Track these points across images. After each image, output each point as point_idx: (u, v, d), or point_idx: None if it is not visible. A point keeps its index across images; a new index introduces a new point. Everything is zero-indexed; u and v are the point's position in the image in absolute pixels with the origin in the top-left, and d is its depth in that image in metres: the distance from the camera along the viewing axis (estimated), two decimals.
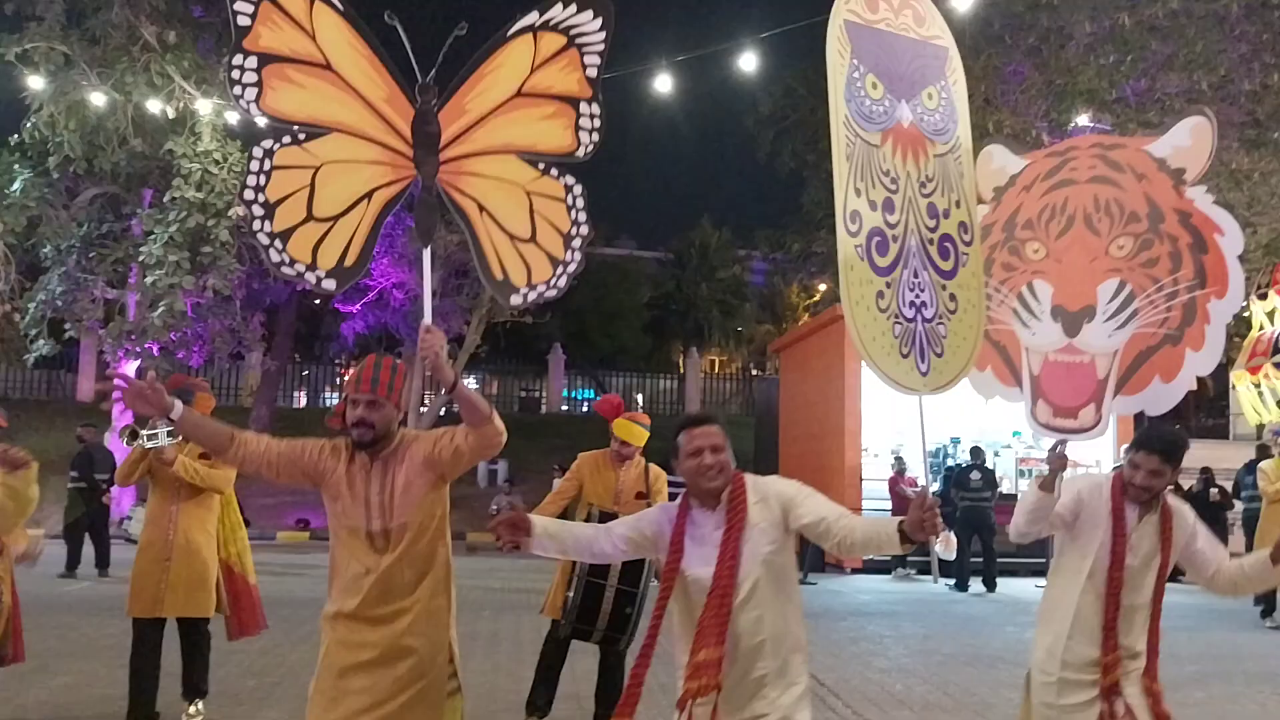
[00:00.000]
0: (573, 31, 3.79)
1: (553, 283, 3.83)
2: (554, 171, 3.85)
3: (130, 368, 17.66)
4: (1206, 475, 14.55)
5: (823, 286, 31.79)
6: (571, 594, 5.25)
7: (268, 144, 3.52)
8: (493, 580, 12.72)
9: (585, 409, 32.69)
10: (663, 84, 12.08)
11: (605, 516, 5.15)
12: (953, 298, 3.55)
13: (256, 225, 3.48)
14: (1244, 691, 7.50)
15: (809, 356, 19.10)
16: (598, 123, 3.86)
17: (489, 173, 3.78)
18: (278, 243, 3.49)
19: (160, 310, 16.10)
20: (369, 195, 3.61)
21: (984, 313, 3.70)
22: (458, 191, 3.74)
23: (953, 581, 13.77)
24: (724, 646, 2.98)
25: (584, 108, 3.84)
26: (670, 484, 5.73)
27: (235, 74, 3.45)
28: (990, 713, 6.62)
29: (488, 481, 21.97)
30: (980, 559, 13.71)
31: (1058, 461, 3.81)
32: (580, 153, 3.86)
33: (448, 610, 3.47)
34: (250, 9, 3.43)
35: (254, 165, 3.49)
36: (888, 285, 3.39)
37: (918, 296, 3.44)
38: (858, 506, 14.93)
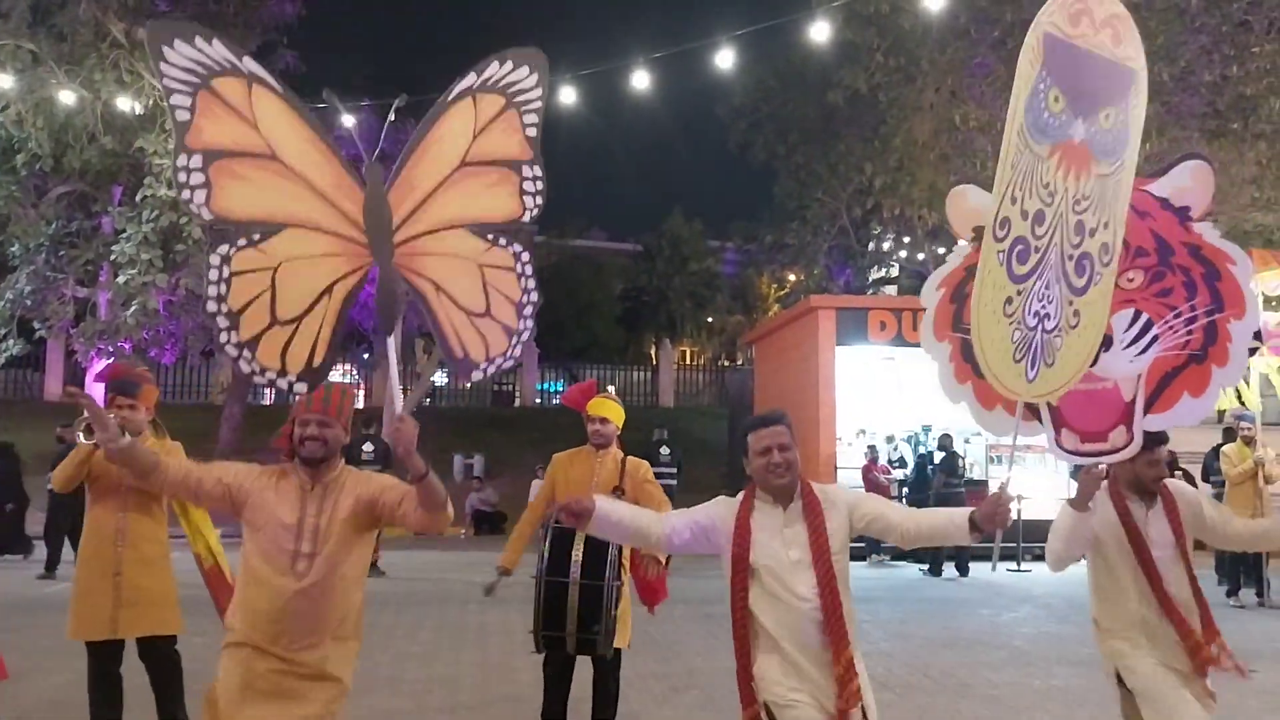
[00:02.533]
0: (510, 90, 3.73)
1: (509, 353, 3.79)
2: (502, 241, 3.78)
3: (101, 366, 17.58)
4: (1171, 458, 14.86)
5: (793, 277, 32.03)
6: (535, 601, 5.00)
7: (224, 250, 3.39)
8: (475, 574, 12.81)
9: (559, 402, 32.75)
10: (635, 78, 12.19)
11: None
12: (1076, 313, 3.58)
13: (223, 337, 3.37)
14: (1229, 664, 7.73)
15: (783, 347, 19.30)
16: (540, 185, 3.79)
17: (442, 250, 3.70)
18: (246, 352, 3.39)
19: (134, 309, 16.01)
20: (329, 290, 3.52)
21: (1102, 331, 3.71)
22: (414, 274, 3.65)
23: (926, 566, 14.02)
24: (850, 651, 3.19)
25: (526, 170, 3.77)
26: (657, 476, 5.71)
27: (182, 176, 3.31)
28: (968, 693, 6.83)
29: (463, 475, 22.02)
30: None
31: (1091, 482, 3.89)
32: (526, 217, 3.80)
33: (354, 656, 3.51)
34: (188, 101, 3.29)
35: (212, 274, 3.36)
36: (1019, 292, 3.43)
37: (1044, 307, 3.48)
38: None
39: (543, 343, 31.56)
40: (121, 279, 16.14)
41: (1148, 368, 3.88)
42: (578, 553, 4.93)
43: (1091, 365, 3.72)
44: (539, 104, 3.79)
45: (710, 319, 37.14)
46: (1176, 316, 3.83)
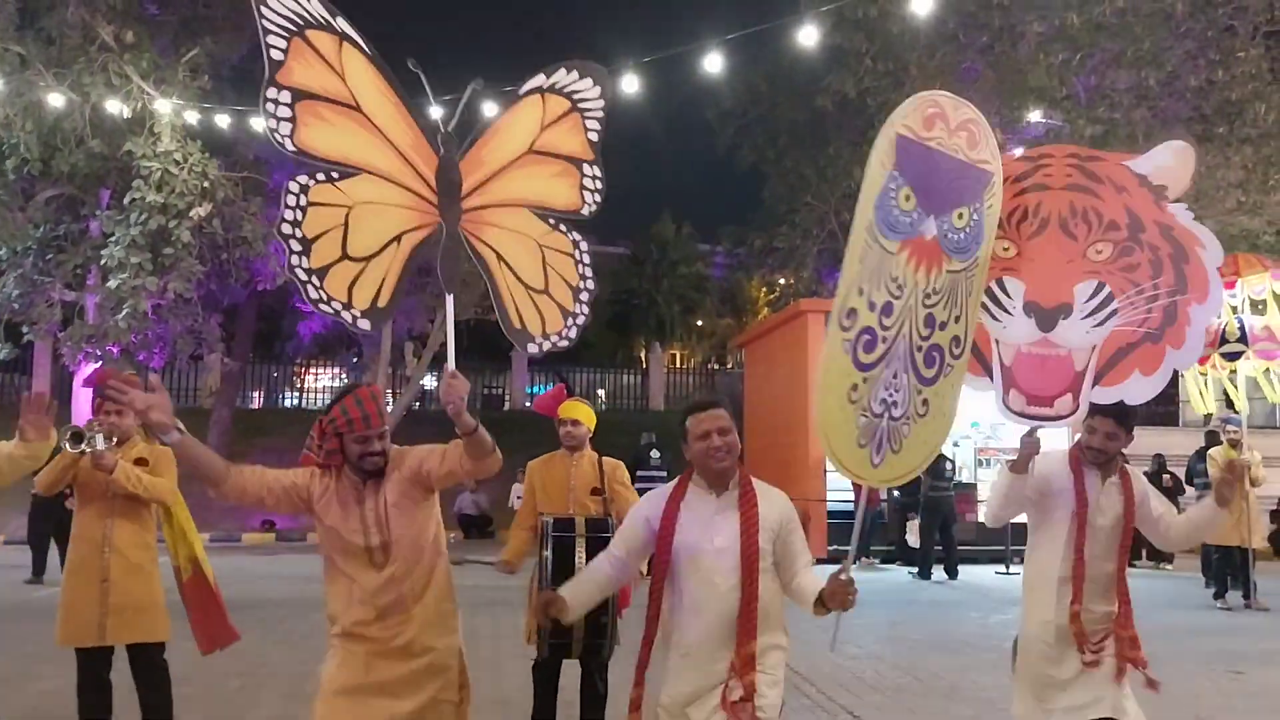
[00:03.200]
0: (575, 96, 3.97)
1: (564, 333, 3.98)
2: (563, 227, 4.00)
3: (89, 370, 17.50)
4: (1159, 461, 14.97)
5: (782, 281, 32.06)
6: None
7: (303, 179, 3.54)
8: (465, 577, 12.77)
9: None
10: (624, 81, 12.19)
11: (560, 524, 5.06)
12: (925, 402, 3.66)
13: (294, 260, 3.49)
14: (1198, 670, 7.78)
15: (773, 351, 19.34)
16: (599, 184, 4.03)
17: (505, 224, 3.89)
18: (315, 279, 3.52)
19: (123, 312, 15.94)
20: (398, 238, 3.68)
21: (951, 422, 3.85)
22: (478, 240, 3.83)
23: (915, 570, 14.06)
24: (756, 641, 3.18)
25: (586, 169, 4.02)
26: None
27: (270, 107, 3.46)
28: (957, 695, 6.85)
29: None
30: (940, 547, 14.04)
31: (1031, 446, 4.02)
32: (585, 211, 4.03)
33: (455, 615, 3.61)
34: (283, 44, 3.47)
35: (290, 200, 3.50)
36: (864, 380, 3.50)
37: (891, 395, 3.55)
38: (822, 498, 15.19)
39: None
40: (110, 283, 16.06)
41: (1103, 341, 3.93)
42: (580, 559, 4.92)
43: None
44: (600, 113, 4.05)
45: (700, 322, 37.16)
46: (1139, 293, 3.88)
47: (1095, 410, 4.00)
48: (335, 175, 3.58)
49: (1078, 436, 4.25)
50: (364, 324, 3.64)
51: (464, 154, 3.79)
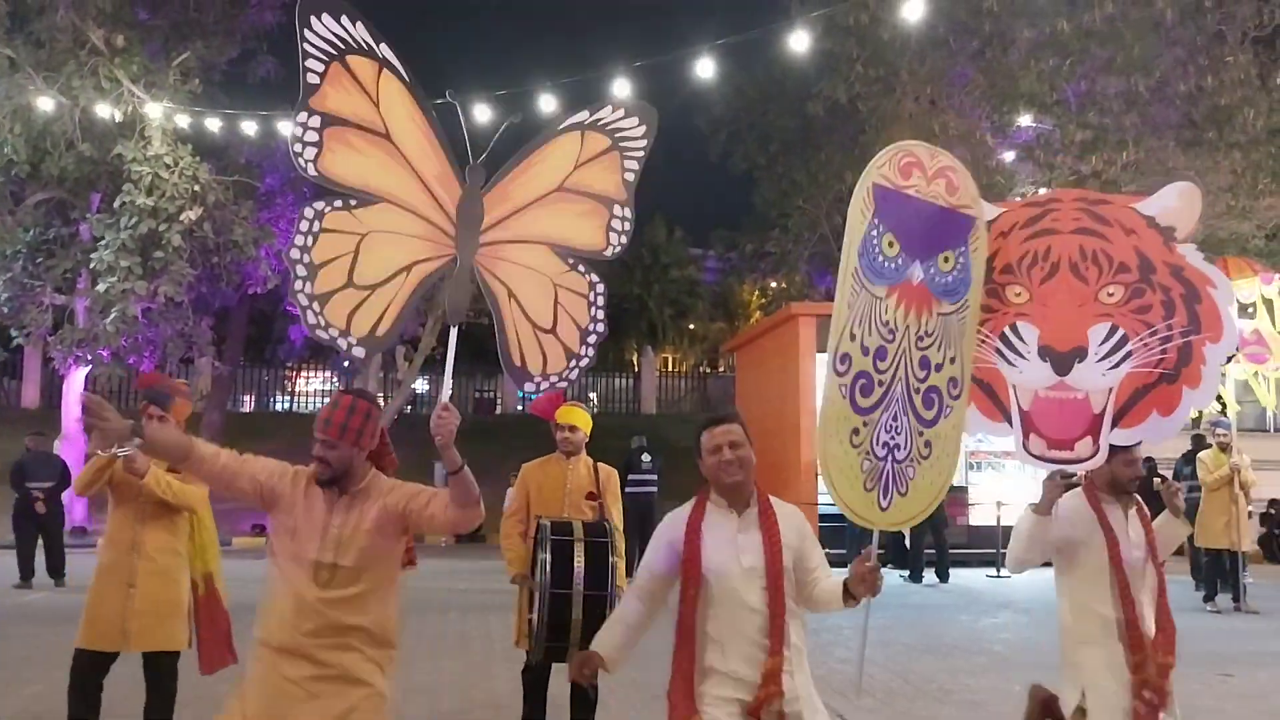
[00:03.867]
0: (617, 135, 3.94)
1: (565, 374, 3.93)
2: (581, 268, 3.95)
3: (80, 374, 17.45)
4: (1149, 464, 15.01)
5: (774, 285, 32.12)
6: (535, 615, 4.94)
7: (320, 205, 3.57)
8: (457, 581, 12.78)
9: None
10: (616, 86, 12.22)
11: (557, 527, 5.04)
12: (927, 444, 3.69)
13: (298, 285, 3.50)
14: (1188, 673, 7.78)
15: (764, 355, 19.36)
16: (628, 225, 3.98)
17: (522, 261, 3.86)
18: (315, 304, 3.52)
19: (112, 316, 15.90)
20: (409, 268, 3.67)
21: (956, 463, 3.86)
22: (491, 275, 3.80)
23: (907, 573, 14.06)
24: (784, 654, 3.16)
25: (617, 209, 3.97)
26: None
27: (299, 131, 3.49)
28: (948, 698, 6.86)
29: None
30: (932, 550, 14.05)
31: (1054, 489, 3.99)
32: (608, 253, 3.98)
33: (392, 662, 3.40)
34: (321, 68, 3.51)
35: (303, 225, 3.53)
36: (864, 424, 3.55)
37: (892, 438, 3.59)
38: (813, 502, 15.19)
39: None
40: (100, 286, 16.01)
41: (1119, 382, 3.94)
42: (579, 563, 4.90)
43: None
44: (642, 154, 4.01)
45: (692, 326, 37.21)
46: (1152, 334, 3.90)
47: (1123, 445, 4.00)
48: (354, 202, 3.60)
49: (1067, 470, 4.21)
50: (358, 351, 3.65)
51: (490, 187, 3.78)
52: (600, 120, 3.93)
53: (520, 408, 31.56)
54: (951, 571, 13.94)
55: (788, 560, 3.26)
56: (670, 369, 38.44)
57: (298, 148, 3.51)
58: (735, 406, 21.19)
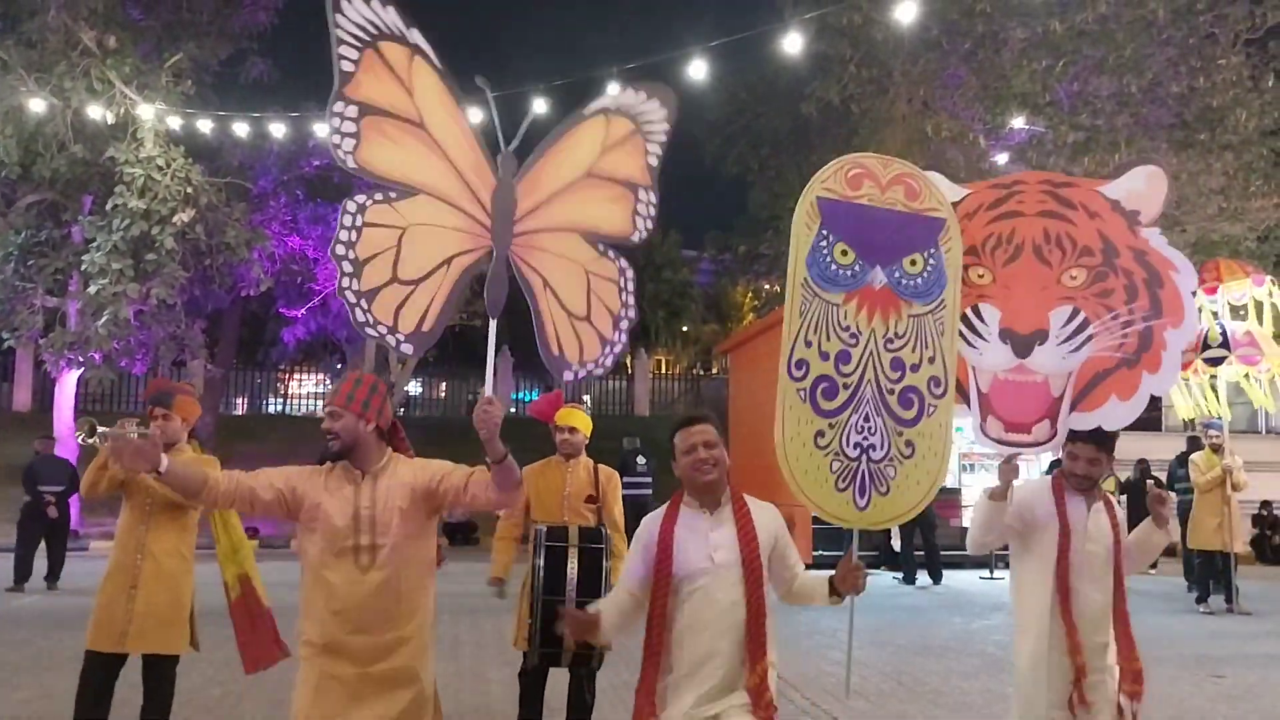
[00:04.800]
0: (640, 118, 3.96)
1: (600, 360, 3.94)
2: (611, 254, 3.97)
3: (72, 377, 17.38)
4: (1143, 466, 15.05)
5: (767, 287, 32.13)
6: (533, 620, 4.95)
7: (361, 199, 3.52)
8: (448, 584, 12.74)
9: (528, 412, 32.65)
10: (609, 89, 12.21)
11: (553, 533, 5.04)
12: (909, 443, 3.73)
13: (345, 282, 3.46)
14: (1180, 674, 7.82)
15: (758, 357, 19.34)
16: (653, 210, 4.01)
17: (554, 249, 3.85)
18: (363, 302, 3.49)
19: (104, 319, 15.84)
20: (448, 261, 3.65)
21: (946, 461, 3.87)
22: (526, 265, 3.78)
23: (900, 575, 14.07)
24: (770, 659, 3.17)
25: (642, 194, 3.99)
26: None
27: (335, 122, 3.44)
28: (941, 700, 6.86)
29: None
30: (923, 553, 14.06)
31: (1009, 472, 3.97)
32: (635, 238, 4.01)
33: (433, 647, 3.45)
34: (355, 55, 3.45)
35: (346, 220, 3.48)
36: (830, 426, 3.62)
37: (865, 439, 3.64)
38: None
39: (517, 351, 31.49)
40: (92, 289, 15.96)
41: (1079, 366, 3.96)
42: (573, 569, 4.90)
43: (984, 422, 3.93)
44: (663, 137, 4.03)
45: (685, 328, 37.18)
46: (1114, 318, 3.92)
47: (1075, 437, 3.99)
48: (393, 195, 3.57)
49: (1052, 461, 4.22)
50: (407, 348, 3.63)
51: (522, 175, 3.77)
52: (623, 104, 3.94)
53: (513, 409, 31.55)
54: (944, 573, 13.95)
55: (762, 554, 3.25)
56: (664, 371, 38.42)
57: (336, 139, 3.46)
58: (726, 410, 21.19)
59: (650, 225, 4.03)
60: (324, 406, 3.37)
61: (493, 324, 3.76)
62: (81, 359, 16.46)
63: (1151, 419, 23.49)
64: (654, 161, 4.01)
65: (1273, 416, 19.06)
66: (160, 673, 4.90)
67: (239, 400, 29.71)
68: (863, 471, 3.64)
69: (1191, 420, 11.92)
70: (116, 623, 4.71)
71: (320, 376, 29.38)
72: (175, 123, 15.63)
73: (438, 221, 3.63)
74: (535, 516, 5.31)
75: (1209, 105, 17.13)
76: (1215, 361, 10.25)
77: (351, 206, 3.51)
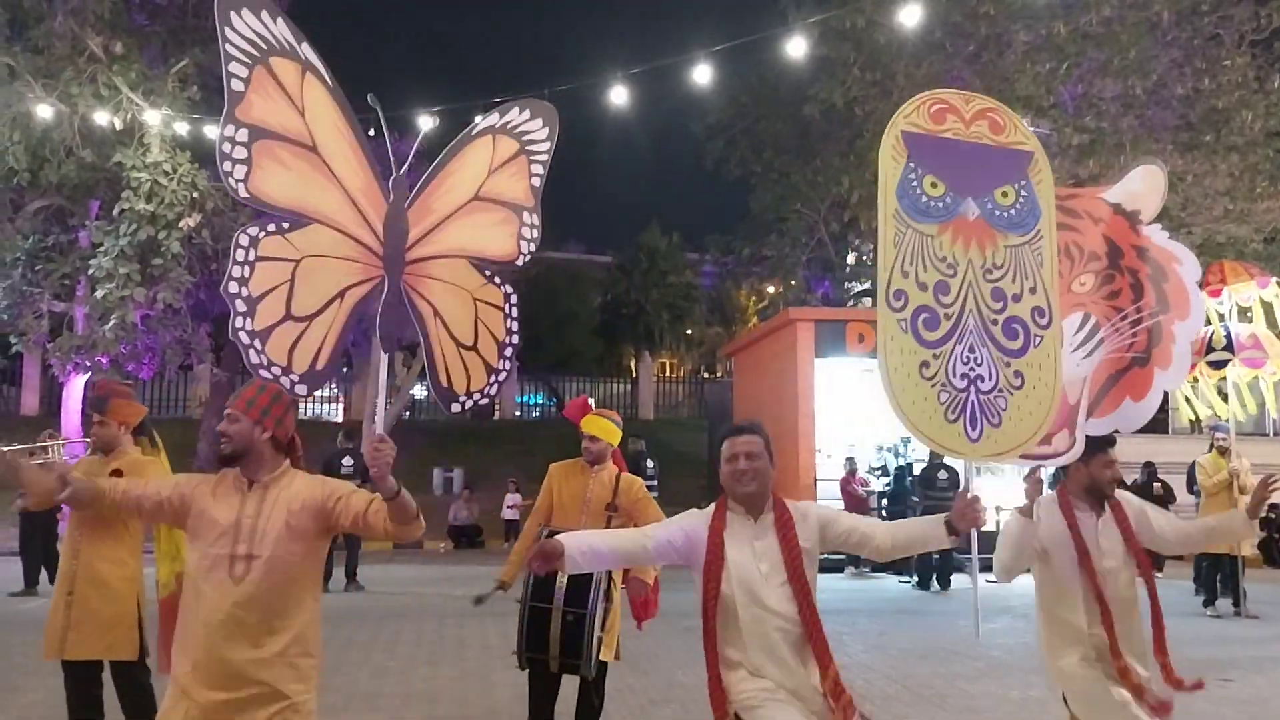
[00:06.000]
0: (524, 138, 3.91)
1: (486, 390, 3.86)
2: (497, 279, 3.89)
3: (79, 381, 17.44)
4: (1150, 469, 15.01)
5: (771, 289, 32.13)
6: (519, 625, 4.94)
7: (253, 231, 3.39)
8: (453, 587, 12.78)
9: (538, 414, 32.72)
10: (613, 93, 12.25)
11: (551, 537, 5.03)
12: (1018, 374, 3.69)
13: (239, 323, 3.34)
14: (1187, 678, 7.78)
15: (762, 359, 19.36)
16: (536, 233, 3.94)
17: (444, 276, 3.76)
18: (257, 342, 3.38)
19: (111, 323, 15.90)
20: (341, 294, 3.52)
21: (1058, 391, 3.80)
22: (417, 295, 3.68)
23: (914, 580, 14.03)
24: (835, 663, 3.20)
25: (526, 216, 3.92)
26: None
27: (226, 147, 3.31)
28: (946, 704, 6.85)
29: (443, 489, 21.95)
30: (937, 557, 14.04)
31: (1035, 487, 3.84)
32: (519, 261, 3.93)
33: (315, 671, 3.25)
34: (245, 72, 3.32)
35: (239, 255, 3.34)
36: (935, 356, 3.58)
37: (972, 369, 3.61)
38: None
39: (521, 355, 31.50)
40: (99, 293, 16.02)
41: (1093, 371, 3.97)
42: (562, 578, 4.86)
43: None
44: (546, 156, 3.96)
45: (689, 331, 37.19)
46: (1123, 318, 3.94)
47: (1101, 444, 3.92)
48: (286, 225, 3.42)
49: (1055, 471, 4.13)
50: (300, 389, 3.49)
51: (413, 200, 3.66)
52: (509, 124, 3.89)
53: (518, 413, 31.60)
54: (952, 578, 13.92)
55: (808, 559, 3.30)
56: (668, 374, 38.45)
57: (227, 166, 3.32)
58: (730, 413, 21.20)
59: (533, 247, 3.96)
60: (225, 406, 3.28)
61: (384, 360, 3.69)
62: (88, 363, 16.52)
63: (1159, 421, 23.46)
64: (537, 182, 3.95)
65: None
66: (127, 679, 4.80)
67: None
68: (972, 402, 3.61)
69: (1195, 422, 11.89)
70: (56, 630, 4.61)
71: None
72: (182, 128, 15.70)
73: (331, 252, 3.51)
74: (557, 517, 5.33)
75: (1214, 107, 17.11)
76: (1219, 365, 10.24)
77: (244, 240, 3.37)
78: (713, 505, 3.45)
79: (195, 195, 16.16)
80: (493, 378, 3.87)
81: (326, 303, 3.49)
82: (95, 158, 16.11)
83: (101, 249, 16.09)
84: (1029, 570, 4.10)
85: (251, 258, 3.37)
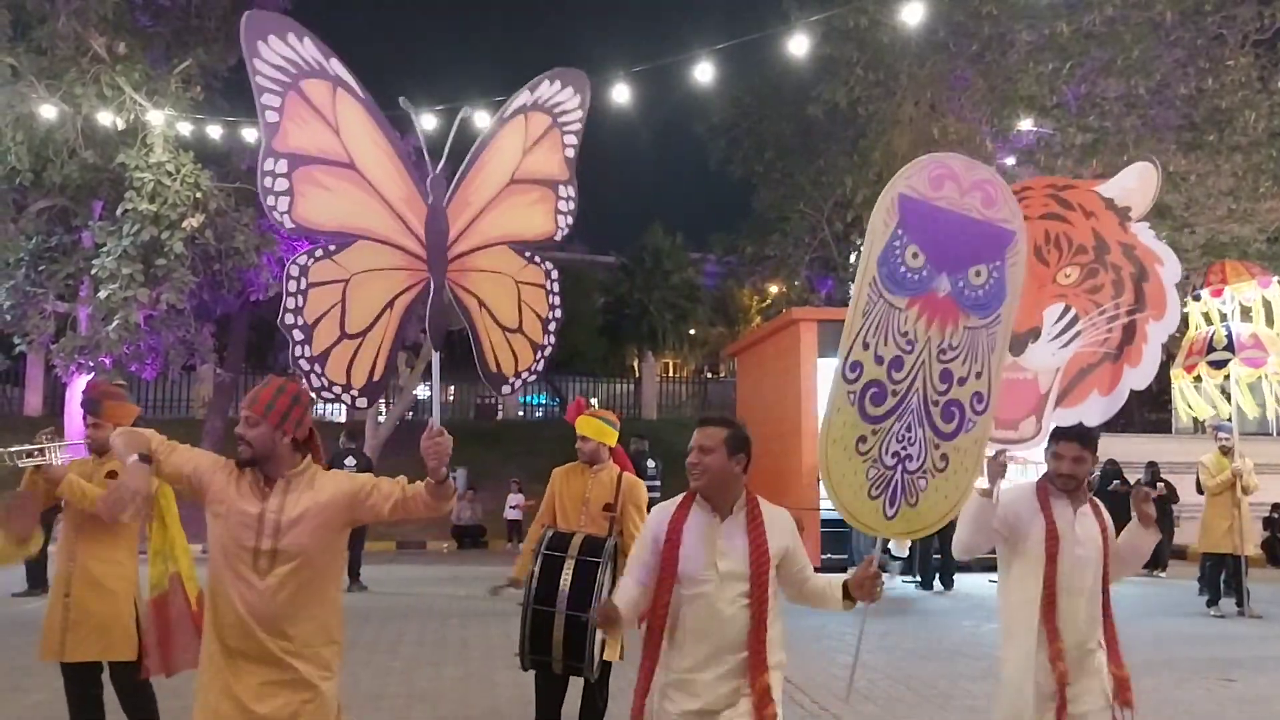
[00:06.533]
0: (556, 109, 3.85)
1: (533, 368, 3.89)
2: (537, 259, 3.90)
3: (82, 382, 17.45)
4: (1153, 468, 15.00)
5: (774, 289, 32.13)
6: (523, 626, 4.98)
7: (303, 260, 3.41)
8: (457, 588, 12.79)
9: (541, 415, 32.72)
10: (615, 93, 12.25)
11: (555, 538, 5.05)
12: (944, 457, 3.63)
13: (298, 351, 3.35)
14: (1190, 678, 7.80)
15: (765, 359, 19.35)
16: (572, 205, 3.92)
17: (486, 266, 3.78)
18: (317, 366, 3.39)
19: (114, 324, 15.92)
20: (390, 304, 3.56)
21: (974, 479, 3.78)
22: (462, 289, 3.71)
23: (917, 580, 14.03)
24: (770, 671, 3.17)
25: (562, 190, 3.90)
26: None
27: (268, 181, 3.30)
28: (950, 704, 6.86)
29: (466, 485, 21.88)
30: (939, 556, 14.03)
31: (996, 469, 3.95)
32: (558, 236, 3.93)
33: (337, 659, 3.37)
34: (277, 102, 3.31)
35: (291, 285, 3.35)
36: (873, 432, 3.52)
37: (904, 449, 3.56)
38: (815, 507, 15.19)
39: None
40: (102, 294, 16.03)
41: (1066, 363, 4.01)
42: (565, 582, 4.88)
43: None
44: (579, 125, 3.91)
45: (692, 331, 37.20)
46: (1101, 313, 3.96)
47: (1059, 435, 3.99)
48: (333, 248, 3.45)
49: (1037, 468, 4.16)
50: (362, 402, 3.54)
51: (452, 197, 3.67)
52: (540, 99, 3.83)
53: (520, 414, 31.59)
54: (955, 577, 13.92)
55: (774, 564, 3.24)
56: (671, 374, 38.44)
57: (270, 200, 3.31)
58: (733, 412, 21.17)
59: (571, 220, 3.94)
60: (243, 408, 3.30)
61: (435, 356, 3.71)
62: (92, 364, 16.53)
63: (1161, 421, 23.44)
64: (570, 154, 3.91)
65: None
66: (125, 680, 4.79)
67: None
68: (896, 481, 3.58)
69: (1199, 421, 11.87)
70: (54, 632, 4.63)
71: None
72: (185, 128, 15.70)
73: (377, 265, 3.52)
74: (557, 517, 5.35)
75: (1217, 107, 17.08)
76: (1219, 365, 10.23)
77: (294, 270, 3.38)
78: (679, 496, 3.41)
79: (198, 196, 16.17)
80: (539, 354, 3.90)
81: (378, 315, 3.53)
82: (98, 158, 16.12)
83: (105, 249, 16.10)
84: (993, 551, 4.16)
85: (304, 286, 3.39)
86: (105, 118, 15.39)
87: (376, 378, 3.54)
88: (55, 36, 15.90)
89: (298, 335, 3.36)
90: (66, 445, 4.72)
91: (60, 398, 19.16)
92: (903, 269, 3.59)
